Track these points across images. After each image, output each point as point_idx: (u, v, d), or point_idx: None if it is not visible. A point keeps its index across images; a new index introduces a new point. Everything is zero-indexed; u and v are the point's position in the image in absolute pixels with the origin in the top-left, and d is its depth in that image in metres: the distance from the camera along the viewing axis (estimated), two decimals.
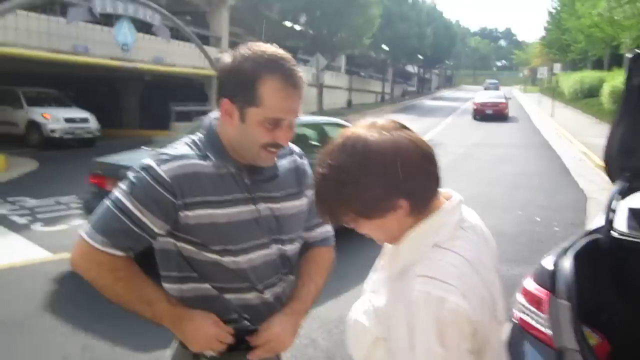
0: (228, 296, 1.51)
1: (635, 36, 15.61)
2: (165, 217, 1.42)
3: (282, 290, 1.61)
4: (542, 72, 37.59)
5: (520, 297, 2.19)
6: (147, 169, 1.41)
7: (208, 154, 1.47)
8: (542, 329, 2.01)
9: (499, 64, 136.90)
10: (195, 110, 22.72)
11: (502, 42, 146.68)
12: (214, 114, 1.54)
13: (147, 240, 1.44)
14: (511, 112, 31.09)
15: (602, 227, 2.31)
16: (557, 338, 1.93)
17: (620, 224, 2.33)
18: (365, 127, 1.14)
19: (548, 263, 2.17)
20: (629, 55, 2.11)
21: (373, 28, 31.99)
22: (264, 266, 1.53)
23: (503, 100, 29.36)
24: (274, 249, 1.54)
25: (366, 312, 1.18)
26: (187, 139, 1.53)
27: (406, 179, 1.08)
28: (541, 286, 2.10)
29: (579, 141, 18.26)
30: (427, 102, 49.44)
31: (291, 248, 1.60)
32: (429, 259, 1.09)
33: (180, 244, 1.47)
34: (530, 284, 2.15)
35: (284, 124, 1.42)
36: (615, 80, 25.75)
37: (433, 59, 62.59)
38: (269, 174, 1.54)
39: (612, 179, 2.43)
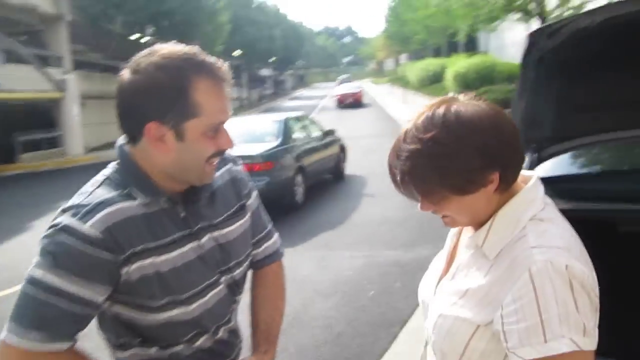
0: (178, 349, 1.31)
1: (470, 23, 16.96)
2: (108, 280, 1.18)
3: (235, 323, 1.47)
4: (389, 64, 39.67)
5: None
6: (66, 230, 1.13)
7: (132, 191, 1.23)
8: None
9: (346, 60, 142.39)
10: (46, 138, 20.99)
11: (347, 39, 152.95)
12: (121, 141, 1.29)
13: (93, 315, 1.19)
14: (369, 104, 34.70)
15: None
16: None
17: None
18: (448, 100, 1.07)
19: None
20: (527, 32, 2.20)
21: (224, 34, 31.73)
22: (218, 305, 1.36)
23: (359, 90, 36.87)
24: (223, 281, 1.37)
25: (456, 304, 1.09)
26: (99, 177, 1.27)
27: (502, 149, 1.03)
28: None
29: None
30: (286, 103, 50.04)
31: (240, 271, 1.43)
32: (535, 231, 1.05)
33: (116, 308, 1.24)
34: None
35: (222, 127, 1.24)
36: (455, 65, 27.91)
37: (285, 60, 63.65)
38: (205, 194, 1.34)
39: None
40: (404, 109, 27.93)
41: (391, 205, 8.31)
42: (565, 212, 2.39)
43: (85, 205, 1.17)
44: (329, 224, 7.57)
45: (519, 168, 1.09)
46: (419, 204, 1.12)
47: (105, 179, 1.25)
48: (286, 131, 9.04)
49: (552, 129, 2.43)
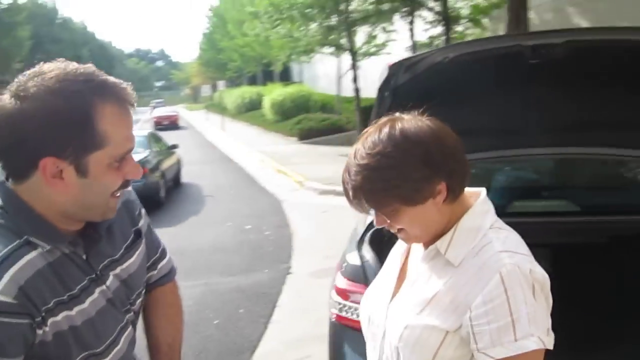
0: None
1: (288, 54, 17.70)
2: (24, 349, 1.02)
3: (137, 357, 1.37)
4: (206, 90, 39.65)
5: (335, 296, 2.28)
6: None
7: (30, 238, 1.05)
8: None
9: (158, 84, 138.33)
10: None
11: (159, 63, 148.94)
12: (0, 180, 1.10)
13: None
14: (185, 127, 34.86)
15: None
16: None
17: None
18: (393, 119, 1.15)
19: (353, 258, 2.31)
20: (389, 63, 2.39)
21: (23, 51, 28.94)
22: (129, 348, 1.26)
23: (175, 113, 38.57)
24: (128, 319, 1.26)
25: (422, 312, 1.13)
26: None
27: (446, 160, 1.11)
28: (354, 281, 2.22)
29: (256, 151, 19.81)
30: None
31: (139, 302, 1.33)
32: (498, 238, 1.13)
33: None
34: (342, 282, 2.26)
35: (129, 155, 1.12)
36: (272, 93, 28.82)
37: None
38: (103, 227, 1.20)
39: None
40: (224, 135, 27.93)
41: (223, 232, 8.23)
42: None
43: None
44: None
45: (465, 179, 1.17)
46: (374, 220, 1.17)
47: None
48: (150, 144, 11.29)
49: None
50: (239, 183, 13.61)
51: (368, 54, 18.30)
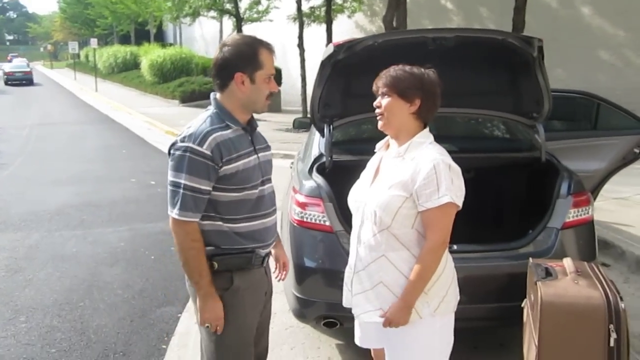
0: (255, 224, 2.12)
1: (175, 15, 17.73)
2: (210, 178, 1.99)
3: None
4: (74, 47, 37.28)
5: (296, 208, 3.20)
6: (191, 150, 1.96)
7: (227, 123, 2.04)
8: (321, 222, 3.10)
9: (10, 37, 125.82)
10: None
11: (11, 14, 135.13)
12: (214, 95, 2.12)
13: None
14: (51, 86, 31.02)
15: (323, 154, 3.53)
16: (334, 225, 3.06)
17: (335, 151, 3.60)
18: (417, 67, 2.13)
19: (309, 182, 3.25)
20: (335, 43, 3.28)
21: None
22: (270, 196, 2.20)
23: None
24: (266, 186, 2.17)
25: (391, 188, 2.03)
26: (204, 117, 2.05)
27: (429, 91, 2.07)
28: (311, 196, 3.16)
29: (137, 112, 19.69)
30: None
31: (269, 186, 2.22)
32: (434, 148, 2.07)
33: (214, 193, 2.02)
34: (302, 198, 3.19)
35: (272, 78, 2.08)
36: (151, 54, 28.15)
37: None
38: (255, 126, 2.17)
39: (315, 124, 3.68)
40: (99, 96, 26.98)
41: (130, 187, 8.68)
42: (348, 162, 3.62)
43: (199, 134, 1.97)
44: (69, 206, 7.54)
45: (432, 112, 2.09)
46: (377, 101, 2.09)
47: (207, 118, 2.05)
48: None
49: (338, 109, 3.63)
50: (128, 143, 13.76)
51: (251, 20, 18.86)
